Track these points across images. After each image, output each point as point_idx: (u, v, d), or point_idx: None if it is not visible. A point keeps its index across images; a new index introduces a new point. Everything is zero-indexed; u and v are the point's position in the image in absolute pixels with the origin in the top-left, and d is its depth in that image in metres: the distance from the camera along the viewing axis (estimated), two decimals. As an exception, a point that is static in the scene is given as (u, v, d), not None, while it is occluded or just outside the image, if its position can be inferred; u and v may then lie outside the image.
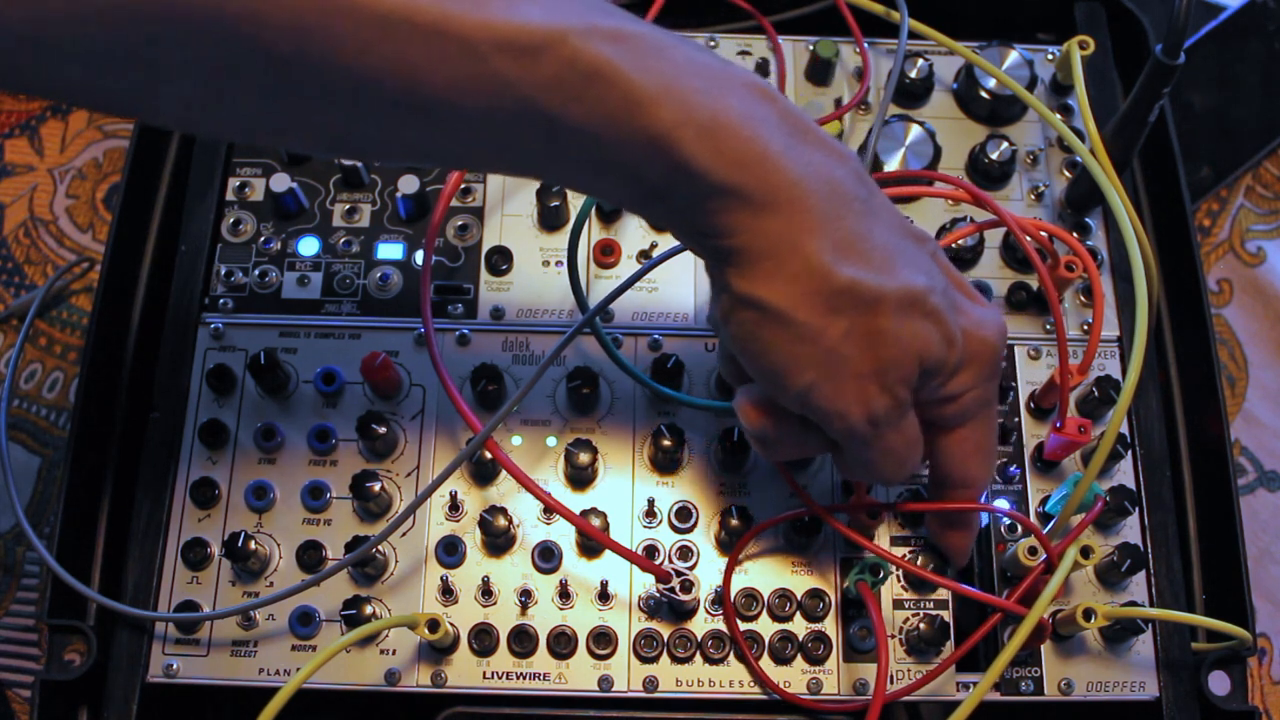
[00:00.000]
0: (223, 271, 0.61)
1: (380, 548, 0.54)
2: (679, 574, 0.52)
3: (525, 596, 0.54)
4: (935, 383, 0.44)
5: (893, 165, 0.62)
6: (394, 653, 0.54)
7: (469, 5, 0.35)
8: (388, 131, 0.38)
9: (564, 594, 0.54)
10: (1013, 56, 0.65)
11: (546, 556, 0.55)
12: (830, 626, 0.54)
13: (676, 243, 0.57)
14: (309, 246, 0.61)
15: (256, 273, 0.61)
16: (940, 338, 0.42)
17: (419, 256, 0.61)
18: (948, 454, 0.47)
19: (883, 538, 0.56)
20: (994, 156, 0.62)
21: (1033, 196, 0.63)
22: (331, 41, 0.34)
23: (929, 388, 0.44)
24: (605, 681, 0.53)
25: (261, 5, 0.33)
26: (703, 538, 0.56)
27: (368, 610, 0.54)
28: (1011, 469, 0.58)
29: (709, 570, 0.55)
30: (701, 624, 0.54)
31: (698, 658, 0.54)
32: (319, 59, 0.34)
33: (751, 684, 0.54)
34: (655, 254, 0.60)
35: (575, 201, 0.62)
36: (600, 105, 0.36)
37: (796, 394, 0.42)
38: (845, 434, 0.44)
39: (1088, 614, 0.51)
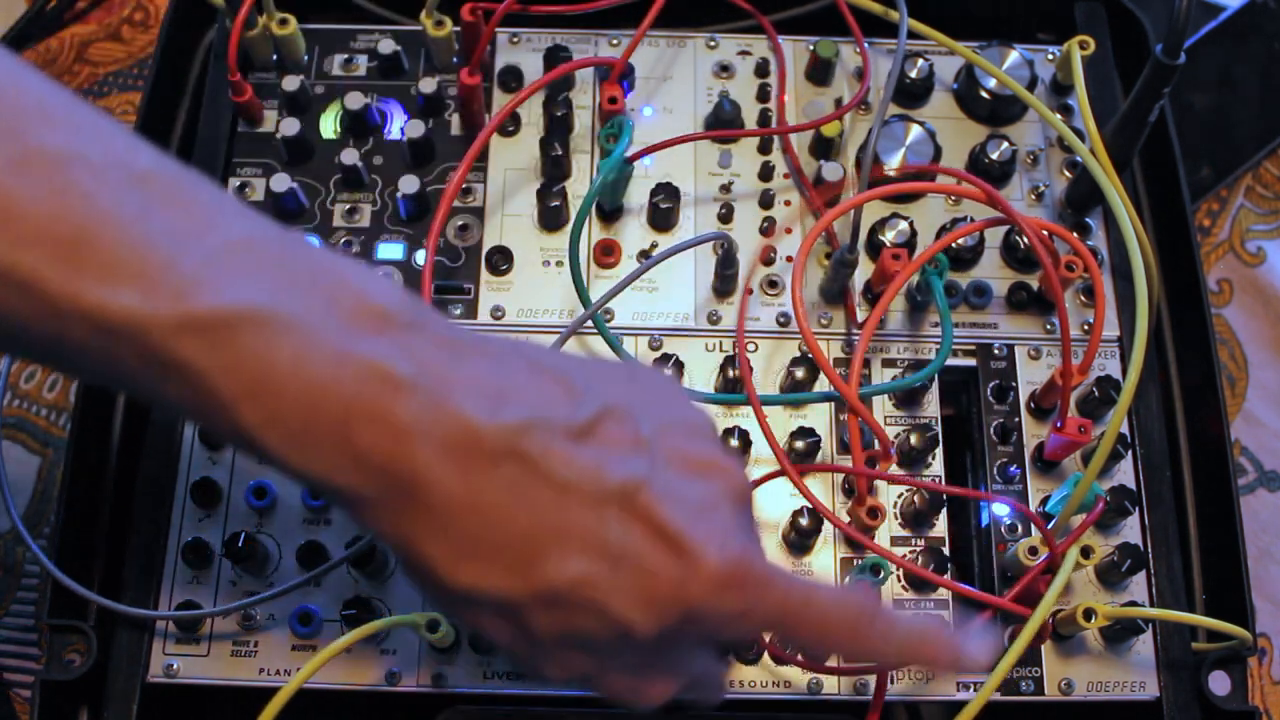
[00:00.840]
0: (223, 271, 0.60)
1: (381, 548, 0.54)
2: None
3: (525, 596, 0.54)
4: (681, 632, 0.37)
5: (893, 165, 0.62)
6: (394, 653, 0.54)
7: (64, 273, 0.31)
8: None
9: (564, 594, 0.54)
10: (1013, 56, 0.65)
11: (547, 556, 0.55)
12: (830, 626, 0.54)
13: (676, 242, 0.57)
14: (309, 246, 0.61)
15: (256, 273, 0.60)
16: (619, 621, 0.35)
17: (419, 256, 0.61)
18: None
19: (883, 538, 0.56)
20: (994, 156, 0.63)
21: (1033, 196, 0.63)
22: None
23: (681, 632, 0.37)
24: (605, 681, 0.53)
25: None
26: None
27: (368, 610, 0.54)
28: (1011, 469, 0.58)
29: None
30: (702, 624, 0.54)
31: (698, 658, 0.54)
32: None
33: (751, 684, 0.54)
34: (655, 253, 0.60)
35: (575, 201, 0.62)
36: (185, 399, 0.33)
37: None
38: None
39: (1088, 614, 0.51)
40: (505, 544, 0.35)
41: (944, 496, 0.56)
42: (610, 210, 0.62)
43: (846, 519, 0.55)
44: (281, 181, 0.60)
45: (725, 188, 0.63)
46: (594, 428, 0.36)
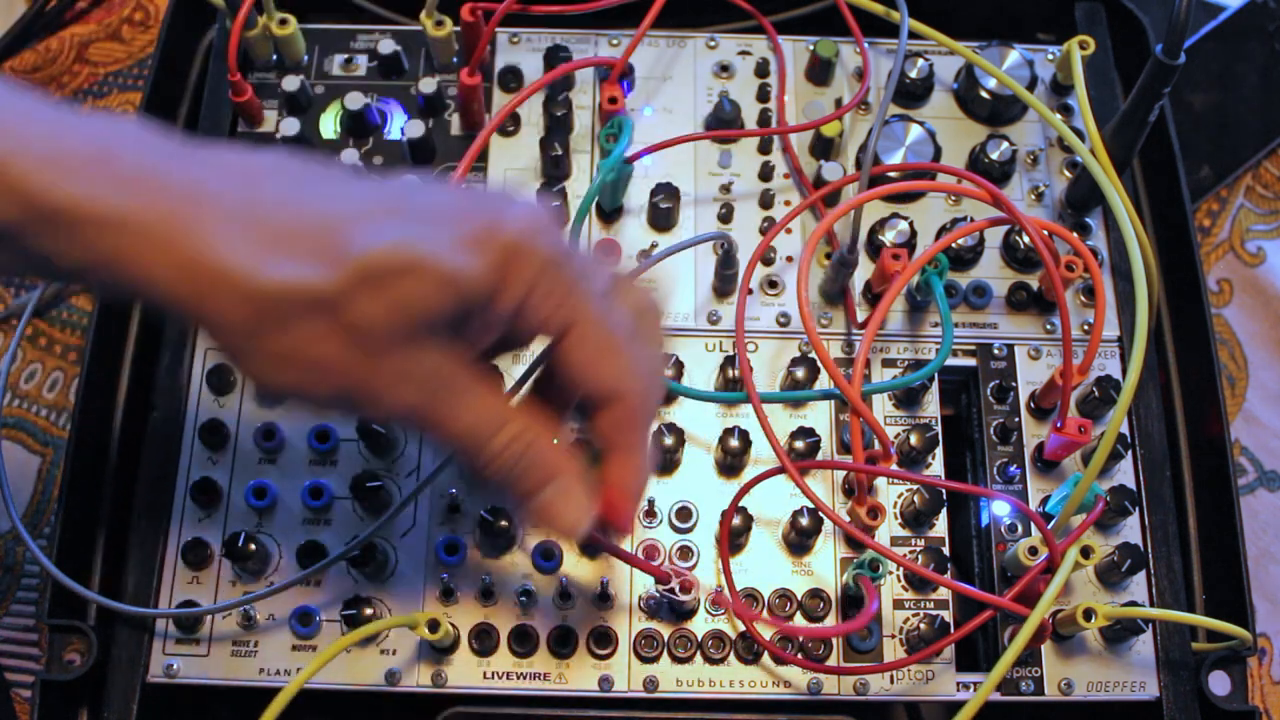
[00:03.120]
0: (223, 271, 0.61)
1: (381, 548, 0.54)
2: (678, 574, 0.52)
3: (525, 596, 0.54)
4: (479, 316, 0.37)
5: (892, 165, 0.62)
6: (394, 653, 0.54)
7: None
8: None
9: (564, 594, 0.54)
10: (1013, 56, 0.65)
11: (547, 556, 0.55)
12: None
13: (676, 241, 0.57)
14: (309, 246, 0.61)
15: (256, 273, 0.60)
16: (448, 270, 0.35)
17: (419, 256, 0.61)
18: (564, 364, 0.40)
19: (883, 537, 0.56)
20: (994, 156, 0.62)
21: (1033, 196, 0.63)
22: None
23: (477, 323, 0.37)
24: (605, 681, 0.53)
25: None
26: (703, 538, 0.56)
27: (368, 610, 0.54)
28: (1011, 469, 0.58)
29: (709, 570, 0.55)
30: (701, 624, 0.54)
31: (698, 658, 0.54)
32: None
33: (751, 684, 0.54)
34: (655, 253, 0.60)
35: (575, 201, 0.62)
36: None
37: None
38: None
39: (1088, 614, 0.51)
40: (304, 230, 0.36)
41: (944, 497, 0.56)
42: (610, 210, 0.62)
43: (847, 518, 0.55)
44: (281, 181, 0.60)
45: (725, 188, 0.63)
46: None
